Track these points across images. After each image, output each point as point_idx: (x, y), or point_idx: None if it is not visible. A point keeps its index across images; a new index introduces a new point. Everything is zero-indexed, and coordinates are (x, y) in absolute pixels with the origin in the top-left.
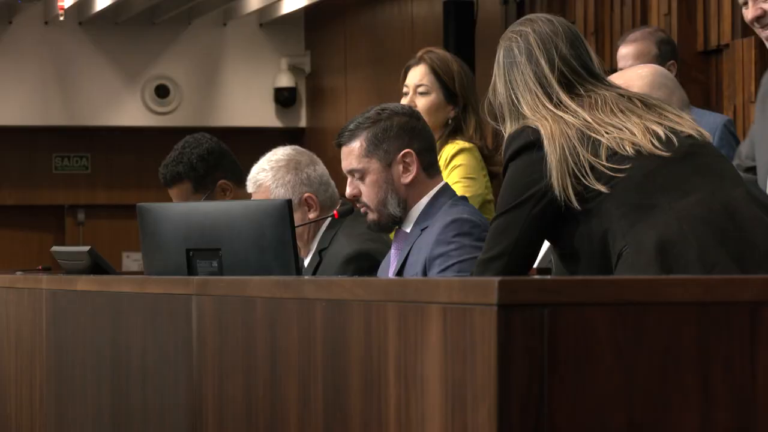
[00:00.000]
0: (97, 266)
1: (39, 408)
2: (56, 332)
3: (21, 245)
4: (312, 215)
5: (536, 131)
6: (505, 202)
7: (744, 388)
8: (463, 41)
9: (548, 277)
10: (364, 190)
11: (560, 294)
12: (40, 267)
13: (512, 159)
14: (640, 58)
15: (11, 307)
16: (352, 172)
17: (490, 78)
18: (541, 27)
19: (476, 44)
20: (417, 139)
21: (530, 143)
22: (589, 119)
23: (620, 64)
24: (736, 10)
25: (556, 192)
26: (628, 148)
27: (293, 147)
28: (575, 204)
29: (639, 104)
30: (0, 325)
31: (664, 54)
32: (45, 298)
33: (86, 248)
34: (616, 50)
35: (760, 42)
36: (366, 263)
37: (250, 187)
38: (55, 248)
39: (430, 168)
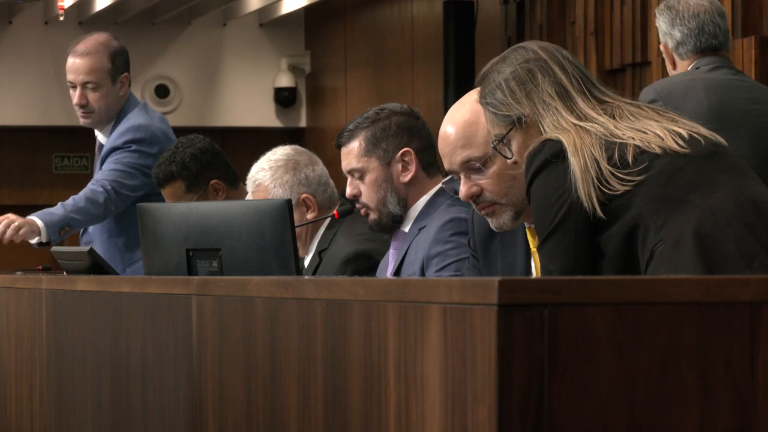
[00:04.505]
0: (97, 266)
1: (39, 408)
2: (56, 332)
3: (21, 245)
4: (310, 216)
5: (557, 142)
6: (545, 223)
7: (744, 388)
8: (463, 41)
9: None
10: (364, 190)
11: (560, 294)
12: (40, 267)
13: (537, 174)
14: (93, 74)
15: (11, 307)
16: (351, 171)
17: None
18: (542, 44)
19: (476, 44)
20: (416, 138)
21: (553, 155)
22: (611, 126)
23: (68, 77)
24: (735, 10)
25: (584, 204)
26: (655, 147)
27: (293, 147)
28: (600, 213)
29: (651, 111)
30: (0, 325)
31: (118, 67)
32: (45, 298)
33: (86, 248)
34: (616, 51)
35: (760, 42)
36: (365, 263)
37: (249, 186)
38: (55, 248)
39: (429, 167)
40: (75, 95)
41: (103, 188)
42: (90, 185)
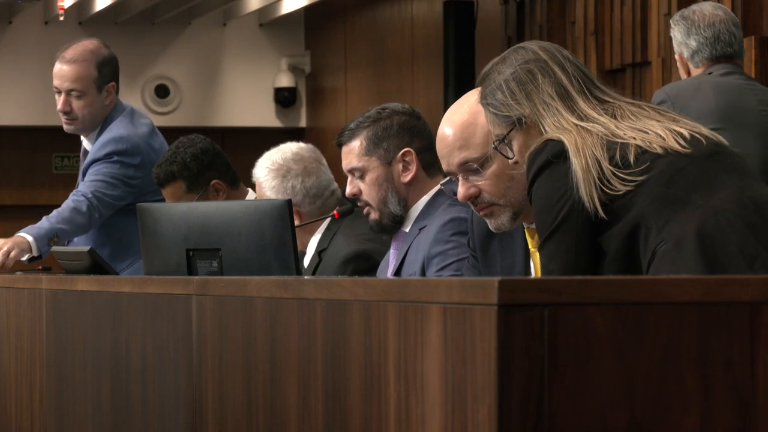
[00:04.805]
0: (97, 266)
1: (39, 408)
2: (56, 332)
3: None
4: None
5: (559, 142)
6: (546, 223)
7: (744, 388)
8: (463, 41)
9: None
10: (364, 189)
11: (560, 294)
12: (40, 267)
13: (539, 174)
14: (78, 82)
15: (11, 307)
16: (352, 170)
17: None
18: (542, 44)
19: (476, 44)
20: (417, 138)
21: (554, 155)
22: (613, 126)
23: (54, 83)
24: (735, 10)
25: (586, 204)
26: (657, 147)
27: (299, 151)
28: (602, 213)
29: (652, 111)
30: (0, 325)
31: (105, 76)
32: (45, 298)
33: (86, 248)
34: (616, 51)
35: (760, 42)
36: (364, 263)
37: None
38: (55, 248)
39: (430, 167)
40: (59, 101)
41: (84, 197)
42: (71, 196)
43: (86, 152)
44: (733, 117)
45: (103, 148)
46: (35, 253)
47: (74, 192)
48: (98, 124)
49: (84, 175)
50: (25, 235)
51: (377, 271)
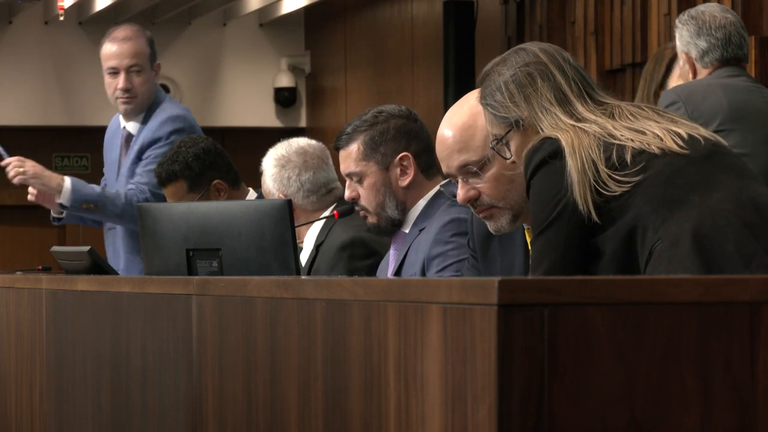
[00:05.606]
0: (97, 266)
1: (39, 408)
2: (56, 332)
3: (21, 245)
4: None
5: (555, 141)
6: (539, 220)
7: (744, 388)
8: (463, 41)
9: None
10: (362, 193)
11: (560, 294)
12: (40, 267)
13: (536, 172)
14: (138, 57)
15: (11, 307)
16: (350, 175)
17: None
18: (542, 46)
19: (476, 44)
20: (414, 142)
21: (551, 154)
22: (610, 127)
23: (109, 64)
24: (735, 10)
25: (580, 206)
26: (654, 148)
27: (303, 147)
28: (595, 218)
29: (650, 112)
30: (0, 325)
31: (154, 54)
32: (45, 298)
33: (86, 248)
34: (616, 51)
35: (760, 42)
36: (360, 250)
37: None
38: (55, 248)
39: (428, 169)
40: (119, 80)
41: (143, 195)
42: (135, 189)
43: (129, 136)
44: (744, 117)
45: (162, 127)
46: (64, 201)
47: (135, 184)
48: (147, 105)
49: (139, 157)
50: (67, 180)
51: (377, 271)
